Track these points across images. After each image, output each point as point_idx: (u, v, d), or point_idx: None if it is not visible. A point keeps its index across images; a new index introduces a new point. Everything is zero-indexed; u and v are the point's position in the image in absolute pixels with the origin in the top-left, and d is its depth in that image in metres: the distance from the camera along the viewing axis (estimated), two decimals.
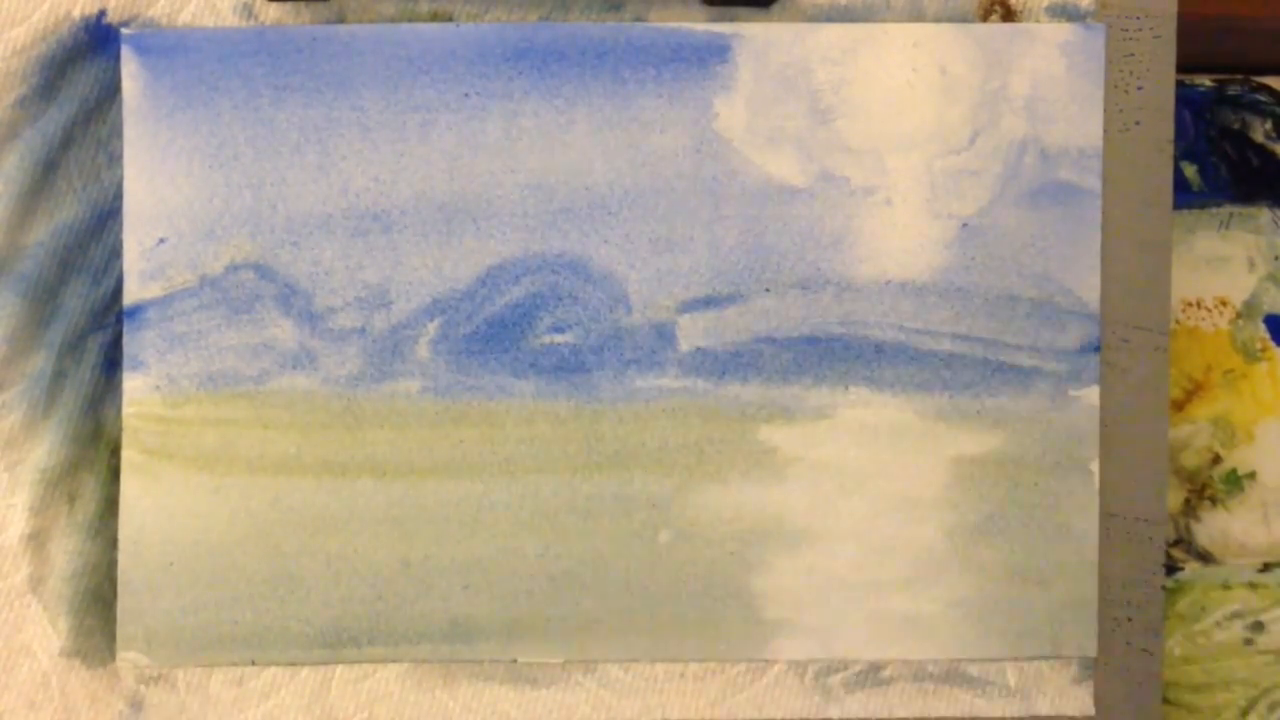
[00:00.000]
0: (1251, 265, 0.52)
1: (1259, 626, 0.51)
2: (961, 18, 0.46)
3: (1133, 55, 0.46)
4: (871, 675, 0.46)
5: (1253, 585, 0.51)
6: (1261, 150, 0.52)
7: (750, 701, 0.46)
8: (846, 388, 0.45)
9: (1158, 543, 0.46)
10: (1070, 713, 0.46)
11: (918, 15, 0.46)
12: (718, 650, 0.45)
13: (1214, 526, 0.51)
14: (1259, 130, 0.52)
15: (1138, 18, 0.46)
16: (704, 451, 0.45)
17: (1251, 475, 0.52)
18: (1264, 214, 0.52)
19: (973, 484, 0.45)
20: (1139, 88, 0.46)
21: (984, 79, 0.45)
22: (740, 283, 0.45)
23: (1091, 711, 0.46)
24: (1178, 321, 0.51)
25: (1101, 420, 0.45)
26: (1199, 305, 0.51)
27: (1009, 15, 0.46)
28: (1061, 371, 0.45)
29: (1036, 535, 0.45)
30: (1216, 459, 0.51)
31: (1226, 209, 0.52)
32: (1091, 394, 0.45)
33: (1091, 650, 0.46)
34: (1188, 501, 0.51)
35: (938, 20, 0.46)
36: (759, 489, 0.45)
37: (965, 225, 0.45)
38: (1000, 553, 0.45)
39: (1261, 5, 0.52)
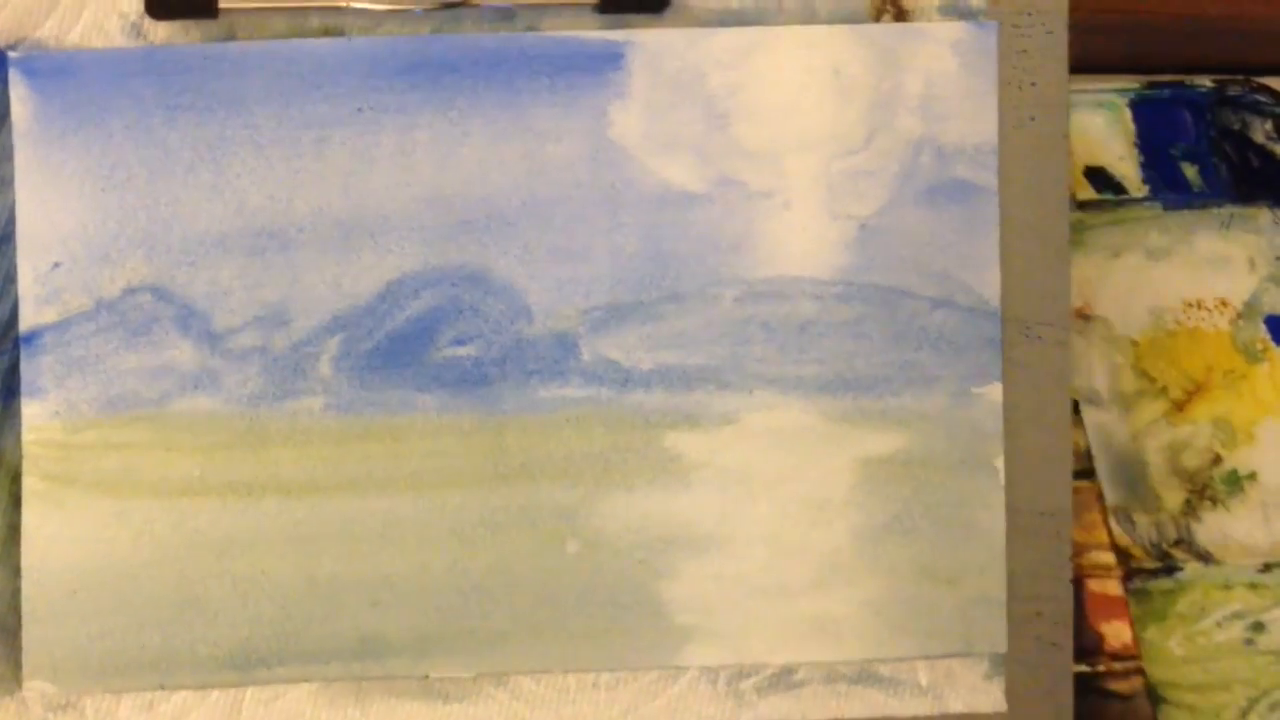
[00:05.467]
0: (1252, 266, 0.52)
1: (1259, 627, 0.51)
2: (854, 18, 0.46)
3: (1025, 52, 0.46)
4: (783, 679, 0.46)
5: (1253, 585, 0.51)
6: (1262, 151, 0.52)
7: (663, 709, 0.46)
8: (750, 392, 0.45)
9: (1064, 537, 0.46)
10: (983, 709, 0.46)
11: (810, 17, 0.46)
12: (629, 659, 0.45)
13: (1214, 527, 0.51)
14: (1259, 131, 0.52)
15: (1029, 14, 0.46)
16: (610, 460, 0.45)
17: (1252, 476, 0.52)
18: (1264, 214, 0.52)
19: (879, 484, 0.45)
20: (1032, 84, 0.46)
21: (878, 79, 0.45)
22: (641, 290, 0.45)
23: (1004, 707, 0.46)
24: (1178, 322, 0.51)
25: (1005, 417, 0.46)
26: (1199, 306, 0.52)
27: (901, 15, 0.46)
28: (964, 369, 0.45)
29: (943, 534, 0.45)
30: (1217, 459, 0.52)
31: (1227, 209, 0.52)
32: (994, 391, 0.46)
33: (1002, 646, 0.46)
34: (1188, 502, 0.51)
35: (830, 22, 0.46)
36: (666, 496, 0.45)
37: (864, 226, 0.45)
38: (908, 552, 0.45)
39: (1262, 5, 0.52)
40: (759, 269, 0.45)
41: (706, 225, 0.45)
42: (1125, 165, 0.55)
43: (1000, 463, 0.45)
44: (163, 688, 0.45)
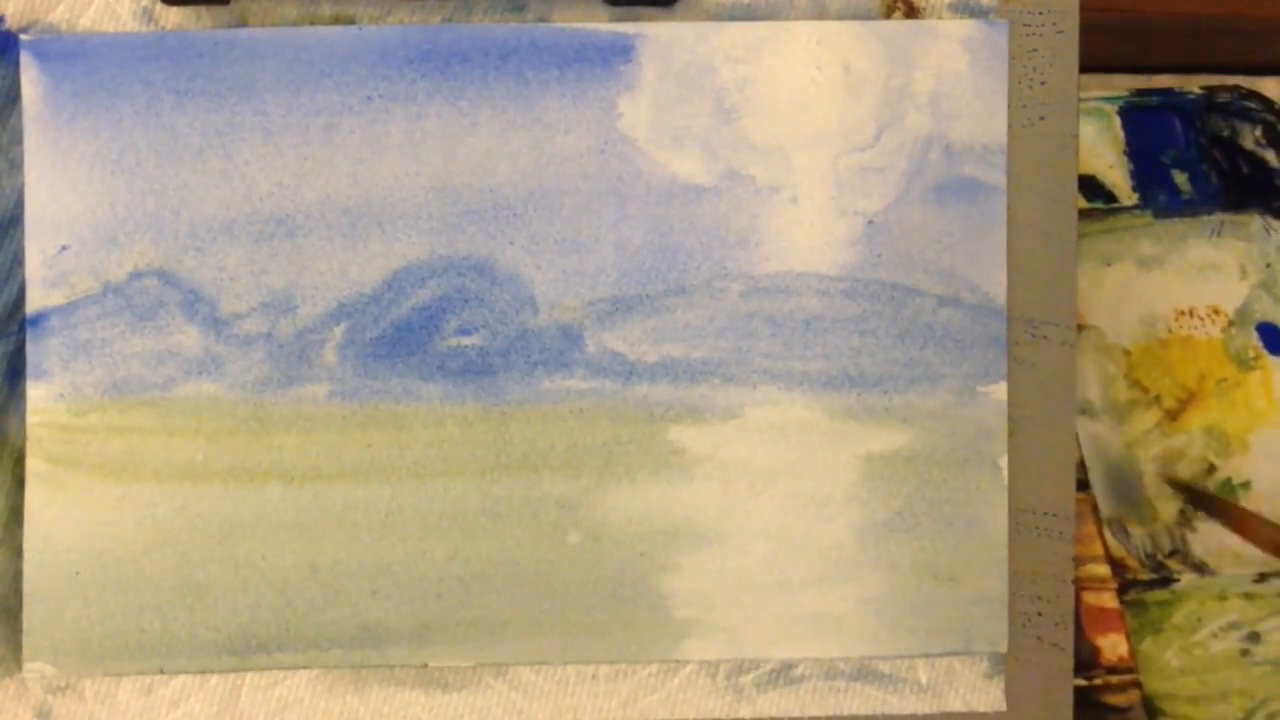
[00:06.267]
0: (1243, 273, 0.52)
1: (1255, 637, 0.51)
2: (865, 15, 0.46)
3: (1035, 51, 0.46)
4: (783, 674, 0.46)
5: (1249, 596, 0.51)
6: (1252, 157, 0.52)
7: (662, 702, 0.46)
8: (755, 386, 0.45)
9: (1066, 537, 0.46)
10: (982, 708, 0.46)
11: (821, 13, 0.46)
12: (629, 651, 0.45)
13: (1209, 537, 0.51)
14: (1249, 137, 0.52)
15: (1040, 13, 0.46)
16: (613, 452, 0.45)
17: (1246, 485, 0.52)
18: (1255, 221, 0.52)
19: (882, 481, 0.45)
20: (1042, 83, 0.46)
21: (888, 76, 0.45)
22: (647, 283, 0.45)
23: (1003, 707, 0.46)
24: (1170, 330, 0.51)
25: (1009, 416, 0.46)
26: (1191, 314, 0.51)
27: (912, 12, 0.46)
28: (968, 368, 0.45)
29: (946, 532, 0.45)
30: (1211, 468, 0.51)
31: (1218, 216, 0.52)
32: (999, 390, 0.45)
33: (1002, 646, 0.46)
34: (1182, 512, 0.51)
35: (841, 18, 0.46)
36: (668, 489, 0.45)
37: (871, 222, 0.45)
38: (910, 550, 0.45)
39: (1258, 5, 0.52)
40: (765, 264, 0.45)
41: (713, 219, 0.45)
42: (1115, 173, 0.54)
43: (1004, 462, 0.45)
44: (162, 671, 0.45)
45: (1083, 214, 0.55)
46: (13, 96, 0.45)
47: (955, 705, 0.46)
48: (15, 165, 0.45)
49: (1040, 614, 0.46)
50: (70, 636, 0.44)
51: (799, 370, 0.45)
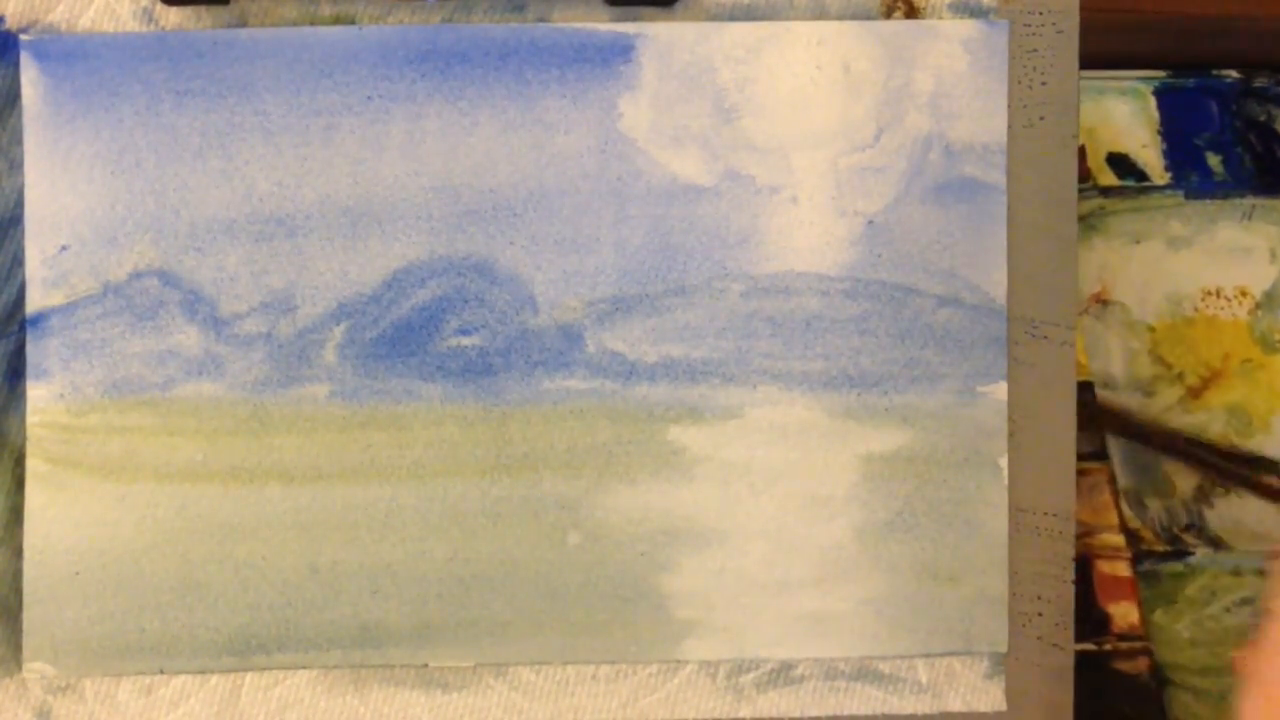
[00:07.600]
0: (1273, 256, 0.52)
1: None
2: (865, 15, 0.46)
3: (1036, 51, 0.46)
4: (783, 674, 0.46)
5: (1263, 572, 0.51)
6: None
7: (662, 702, 0.46)
8: (754, 387, 0.45)
9: (1067, 537, 0.46)
10: (982, 708, 0.46)
11: (821, 13, 0.46)
12: (629, 651, 0.45)
13: (1226, 513, 0.51)
14: None
15: (1040, 13, 0.46)
16: (613, 453, 0.45)
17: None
18: None
19: (882, 481, 0.45)
20: (1042, 83, 0.46)
21: (888, 76, 0.45)
22: (647, 283, 0.45)
23: (1003, 707, 0.46)
24: (1197, 310, 0.51)
25: (1009, 416, 0.46)
26: (1218, 295, 0.52)
27: (912, 12, 0.46)
28: (968, 368, 0.45)
29: (946, 532, 0.45)
30: (1231, 447, 0.52)
31: (1249, 200, 0.52)
32: (999, 389, 0.45)
33: (1002, 646, 0.46)
34: (1200, 488, 0.51)
35: (841, 18, 0.46)
36: (668, 489, 0.45)
37: (871, 222, 0.45)
38: (910, 550, 0.45)
39: (1263, 5, 0.52)
40: (765, 264, 0.45)
41: (713, 219, 0.45)
42: (1148, 153, 0.55)
43: (1004, 461, 0.45)
44: (162, 672, 0.45)
45: (1113, 191, 0.55)
46: (13, 96, 0.45)
47: (955, 705, 0.46)
48: (15, 165, 0.45)
49: (1040, 614, 0.46)
50: (70, 636, 0.44)
51: (799, 370, 0.45)
